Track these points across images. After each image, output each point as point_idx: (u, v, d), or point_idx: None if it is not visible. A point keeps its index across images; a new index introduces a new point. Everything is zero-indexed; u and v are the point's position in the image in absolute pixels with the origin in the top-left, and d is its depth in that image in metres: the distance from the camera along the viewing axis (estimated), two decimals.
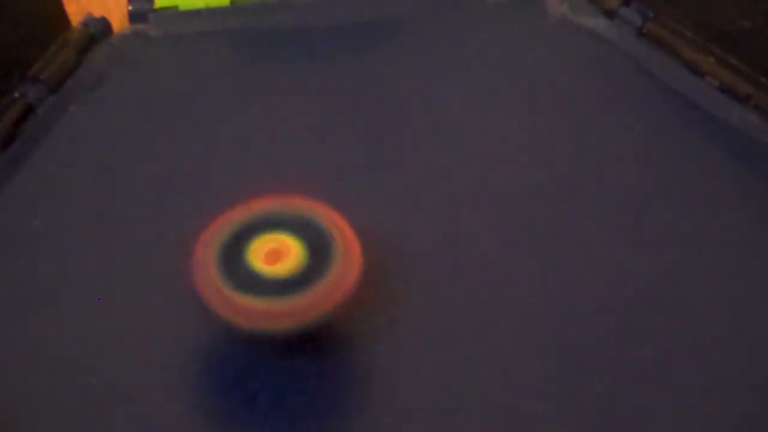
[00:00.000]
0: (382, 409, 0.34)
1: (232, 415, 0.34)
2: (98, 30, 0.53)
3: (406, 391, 0.35)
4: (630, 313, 0.37)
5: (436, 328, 0.37)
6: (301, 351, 0.36)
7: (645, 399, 0.34)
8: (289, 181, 0.44)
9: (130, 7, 0.55)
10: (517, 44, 0.53)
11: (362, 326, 0.37)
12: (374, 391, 0.35)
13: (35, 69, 0.49)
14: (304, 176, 0.44)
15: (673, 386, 0.34)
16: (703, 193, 0.42)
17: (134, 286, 0.39)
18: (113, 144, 0.47)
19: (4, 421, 0.34)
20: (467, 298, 0.38)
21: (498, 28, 0.54)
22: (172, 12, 0.55)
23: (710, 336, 0.36)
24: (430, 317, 0.37)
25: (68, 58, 0.51)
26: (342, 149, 0.46)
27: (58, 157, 0.46)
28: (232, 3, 0.55)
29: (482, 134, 0.47)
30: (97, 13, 0.54)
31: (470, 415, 0.34)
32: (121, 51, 0.53)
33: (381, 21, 0.56)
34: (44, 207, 0.43)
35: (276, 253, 0.35)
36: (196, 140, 0.47)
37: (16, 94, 0.48)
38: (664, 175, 0.43)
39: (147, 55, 0.53)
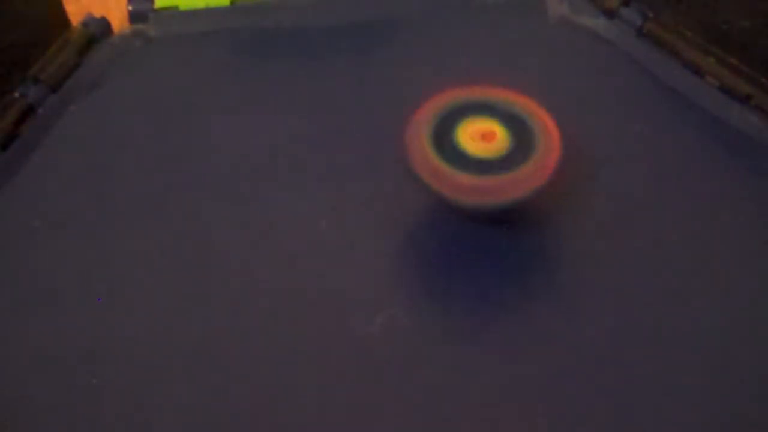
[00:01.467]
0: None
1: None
2: (98, 30, 0.53)
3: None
4: (630, 313, 0.37)
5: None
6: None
7: (645, 399, 0.34)
8: (288, 181, 0.44)
9: (130, 7, 0.55)
10: (517, 44, 0.53)
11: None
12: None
13: (35, 69, 0.49)
14: (302, 176, 0.44)
15: (673, 386, 0.34)
16: (703, 193, 0.42)
17: (134, 286, 0.39)
18: (113, 144, 0.47)
19: (4, 421, 0.34)
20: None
21: (498, 28, 0.54)
22: (172, 12, 0.55)
23: (711, 335, 0.36)
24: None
25: (68, 58, 0.51)
26: (341, 149, 0.46)
27: (58, 157, 0.46)
28: (232, 3, 0.55)
29: None
30: (97, 13, 0.54)
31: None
32: (121, 51, 0.53)
33: (381, 21, 0.55)
34: (44, 207, 0.43)
35: (484, 136, 0.38)
36: (196, 140, 0.47)
37: (16, 94, 0.48)
38: (664, 175, 0.43)
39: (147, 55, 0.53)
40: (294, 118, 0.48)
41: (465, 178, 0.37)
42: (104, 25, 0.54)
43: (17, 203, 0.43)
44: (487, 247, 0.40)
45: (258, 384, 0.35)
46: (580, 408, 0.34)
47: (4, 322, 0.38)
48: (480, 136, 0.38)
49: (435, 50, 0.53)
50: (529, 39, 0.54)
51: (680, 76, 0.48)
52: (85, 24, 0.53)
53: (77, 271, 0.40)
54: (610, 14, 0.53)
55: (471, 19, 0.55)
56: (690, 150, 0.45)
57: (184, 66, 0.53)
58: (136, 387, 0.35)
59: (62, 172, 0.45)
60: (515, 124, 0.39)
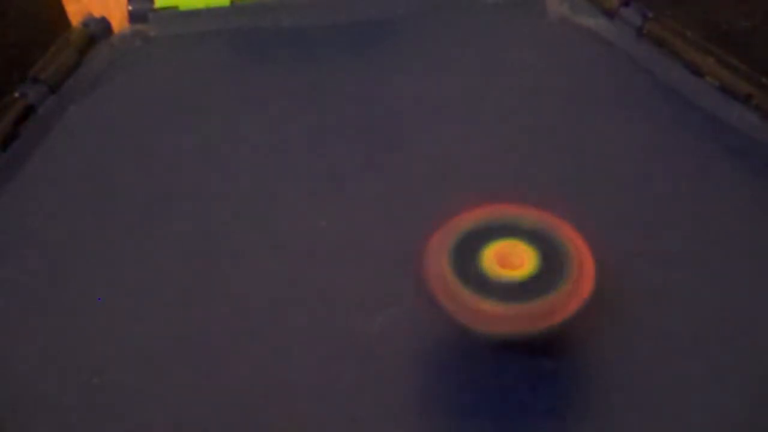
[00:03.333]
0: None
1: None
2: (98, 30, 0.53)
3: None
4: (629, 313, 0.37)
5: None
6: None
7: (644, 399, 0.34)
8: (288, 183, 0.44)
9: (130, 7, 0.55)
10: (517, 44, 0.53)
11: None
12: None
13: (35, 69, 0.49)
14: (301, 176, 0.44)
15: (672, 387, 0.34)
16: (703, 193, 0.42)
17: (134, 286, 0.39)
18: (113, 144, 0.47)
19: (5, 421, 0.34)
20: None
21: (498, 28, 0.54)
22: (172, 12, 0.55)
23: (710, 336, 0.36)
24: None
25: (68, 58, 0.51)
26: (341, 150, 0.46)
27: (58, 157, 0.46)
28: (232, 3, 0.55)
29: (482, 134, 0.47)
30: (97, 13, 0.54)
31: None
32: (121, 51, 0.53)
33: (381, 21, 0.55)
34: (44, 207, 0.43)
35: (510, 259, 0.35)
36: (195, 140, 0.47)
37: (16, 94, 0.48)
38: (664, 175, 0.43)
39: (147, 55, 0.53)
40: (294, 118, 0.48)
41: (488, 305, 0.33)
42: (104, 25, 0.54)
43: (17, 203, 0.43)
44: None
45: (258, 384, 0.35)
46: None
47: (4, 322, 0.38)
48: (505, 260, 0.35)
49: (435, 50, 0.53)
50: (529, 39, 0.54)
51: (680, 76, 0.48)
52: (85, 24, 0.53)
53: (77, 271, 0.40)
54: (610, 14, 0.53)
55: (471, 19, 0.55)
56: (690, 150, 0.45)
57: (184, 66, 0.53)
58: (136, 387, 0.35)
59: (62, 172, 0.45)
60: (544, 246, 0.35)
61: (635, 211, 0.42)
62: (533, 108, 0.48)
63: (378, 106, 0.49)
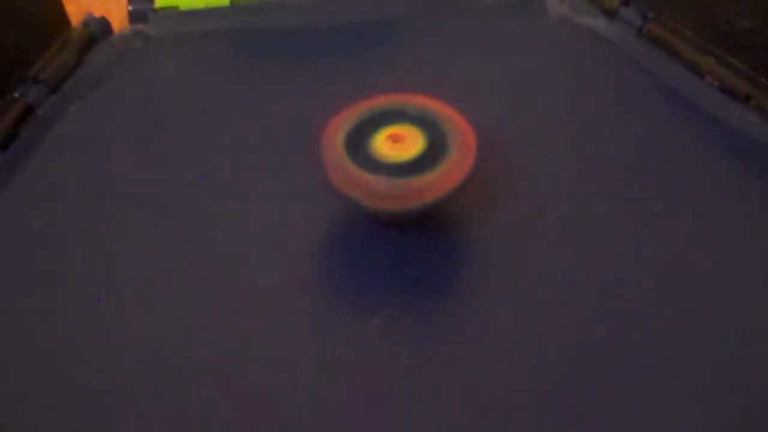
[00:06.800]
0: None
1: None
2: (98, 30, 0.53)
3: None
4: (630, 313, 0.37)
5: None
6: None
7: (644, 400, 0.34)
8: (287, 182, 0.44)
9: (130, 7, 0.55)
10: (517, 44, 0.53)
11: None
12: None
13: (35, 69, 0.49)
14: (302, 175, 0.44)
15: (672, 386, 0.34)
16: (703, 193, 0.42)
17: (134, 286, 0.39)
18: (113, 144, 0.47)
19: (4, 421, 0.34)
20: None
21: (498, 28, 0.54)
22: (172, 12, 0.55)
23: (710, 335, 0.36)
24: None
25: (68, 58, 0.51)
26: None
27: (58, 157, 0.46)
28: (232, 3, 0.55)
29: (482, 135, 0.47)
30: (97, 13, 0.54)
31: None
32: (121, 51, 0.53)
33: (381, 21, 0.55)
34: (44, 207, 0.43)
35: (398, 139, 0.38)
36: (195, 140, 0.47)
37: (16, 94, 0.48)
38: (663, 175, 0.43)
39: (147, 55, 0.53)
40: (293, 118, 0.48)
41: (377, 182, 0.37)
42: (104, 25, 0.54)
43: (17, 203, 0.43)
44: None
45: (257, 384, 0.35)
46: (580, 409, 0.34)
47: (4, 321, 0.38)
48: (392, 140, 0.38)
49: (435, 50, 0.53)
50: (529, 39, 0.54)
51: (680, 76, 0.48)
52: (85, 24, 0.53)
53: (77, 270, 0.40)
54: (610, 14, 0.53)
55: (471, 19, 0.55)
56: (690, 150, 0.45)
57: (184, 66, 0.53)
58: (136, 386, 0.35)
59: (62, 172, 0.45)
60: (430, 128, 0.39)
61: (633, 209, 0.42)
62: (533, 108, 0.48)
63: None
